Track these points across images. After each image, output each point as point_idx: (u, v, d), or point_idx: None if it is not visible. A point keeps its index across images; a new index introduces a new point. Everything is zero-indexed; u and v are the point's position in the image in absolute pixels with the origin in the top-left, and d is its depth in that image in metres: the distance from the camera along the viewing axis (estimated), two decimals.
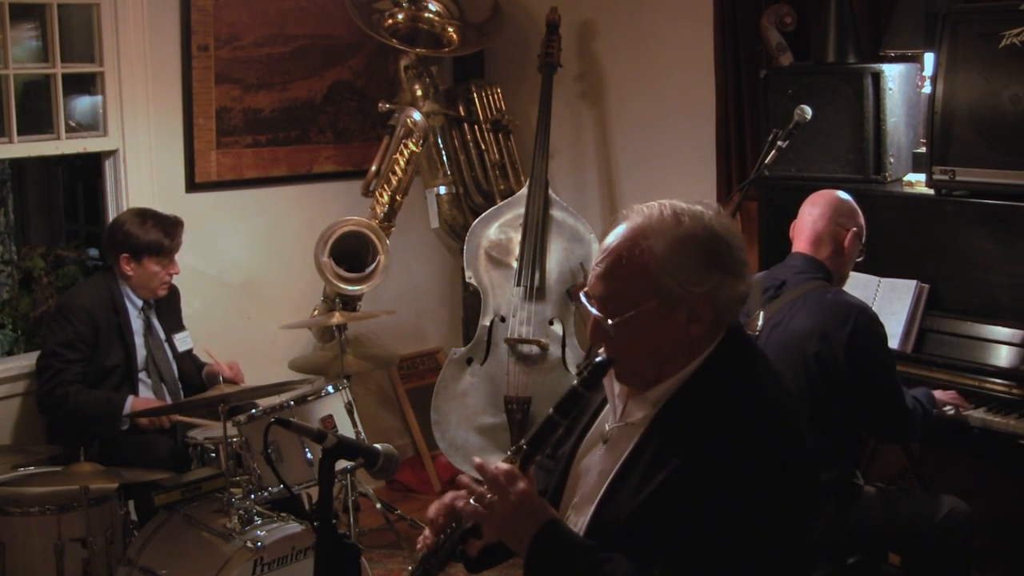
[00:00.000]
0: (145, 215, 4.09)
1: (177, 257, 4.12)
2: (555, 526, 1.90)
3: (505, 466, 1.92)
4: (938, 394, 3.34)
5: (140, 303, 4.10)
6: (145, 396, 4.01)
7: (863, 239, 3.29)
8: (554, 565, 1.87)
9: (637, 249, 1.87)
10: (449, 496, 2.00)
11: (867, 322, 3.06)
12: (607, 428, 2.02)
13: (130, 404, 3.85)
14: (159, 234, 4.03)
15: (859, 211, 3.29)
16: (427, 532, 2.01)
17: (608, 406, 2.05)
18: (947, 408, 3.33)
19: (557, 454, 2.12)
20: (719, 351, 1.91)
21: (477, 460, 1.97)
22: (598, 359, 1.95)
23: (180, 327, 4.28)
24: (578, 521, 1.99)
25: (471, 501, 1.92)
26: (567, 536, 1.90)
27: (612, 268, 1.89)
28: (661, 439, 1.89)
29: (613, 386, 2.02)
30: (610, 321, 1.89)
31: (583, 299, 1.96)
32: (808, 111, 3.65)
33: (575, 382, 1.96)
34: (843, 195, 3.30)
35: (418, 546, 2.01)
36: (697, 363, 1.91)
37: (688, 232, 1.88)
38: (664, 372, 1.92)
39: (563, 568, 1.86)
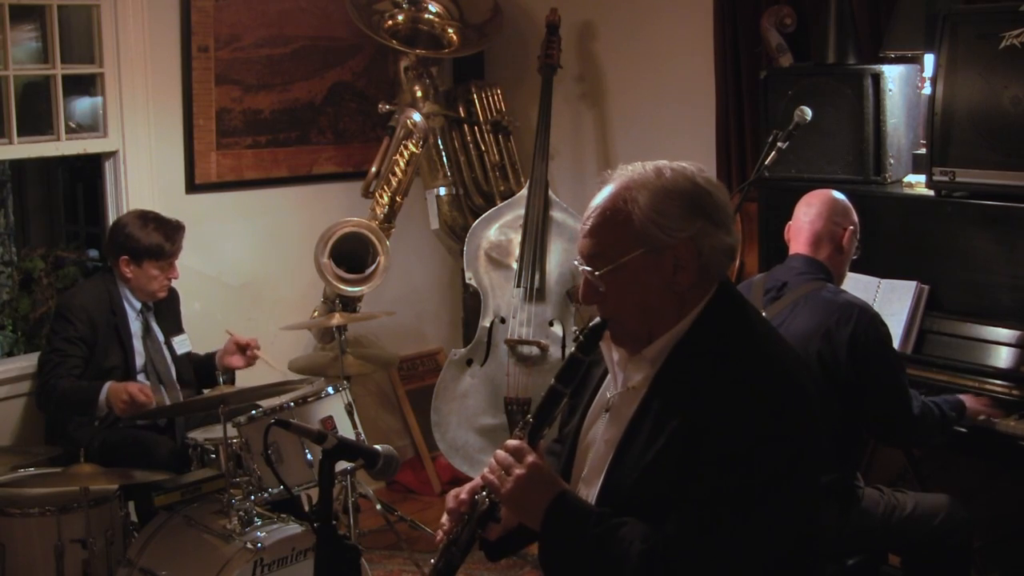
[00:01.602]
0: (147, 218, 4.08)
1: (177, 261, 4.12)
2: (567, 496, 1.94)
3: (514, 442, 1.97)
4: (969, 401, 3.28)
5: (138, 305, 4.10)
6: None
7: (858, 236, 3.29)
8: (569, 533, 1.90)
9: (621, 200, 1.93)
10: (467, 486, 2.04)
11: (869, 321, 3.06)
12: (608, 397, 2.04)
13: (107, 389, 3.80)
14: (160, 238, 4.03)
15: (852, 208, 3.29)
16: (444, 519, 2.03)
17: (608, 379, 2.08)
18: (980, 417, 3.29)
19: (563, 433, 2.13)
20: (711, 306, 1.96)
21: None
22: (592, 323, 2.00)
23: (179, 330, 4.27)
24: (588, 493, 2.02)
25: (484, 483, 1.97)
26: (580, 504, 1.94)
27: (598, 223, 1.95)
28: (662, 399, 1.92)
29: (612, 355, 2.05)
30: (597, 273, 1.94)
31: (575, 262, 2.01)
32: (808, 112, 3.65)
33: (573, 349, 2.01)
34: (837, 194, 3.30)
35: (437, 539, 2.03)
36: (691, 319, 1.95)
37: (670, 182, 1.94)
38: (657, 328, 1.96)
39: (578, 536, 1.89)
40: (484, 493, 1.99)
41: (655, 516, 1.87)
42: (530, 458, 1.93)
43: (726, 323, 1.95)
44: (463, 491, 2.03)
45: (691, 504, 1.83)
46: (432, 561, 2.01)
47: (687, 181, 1.94)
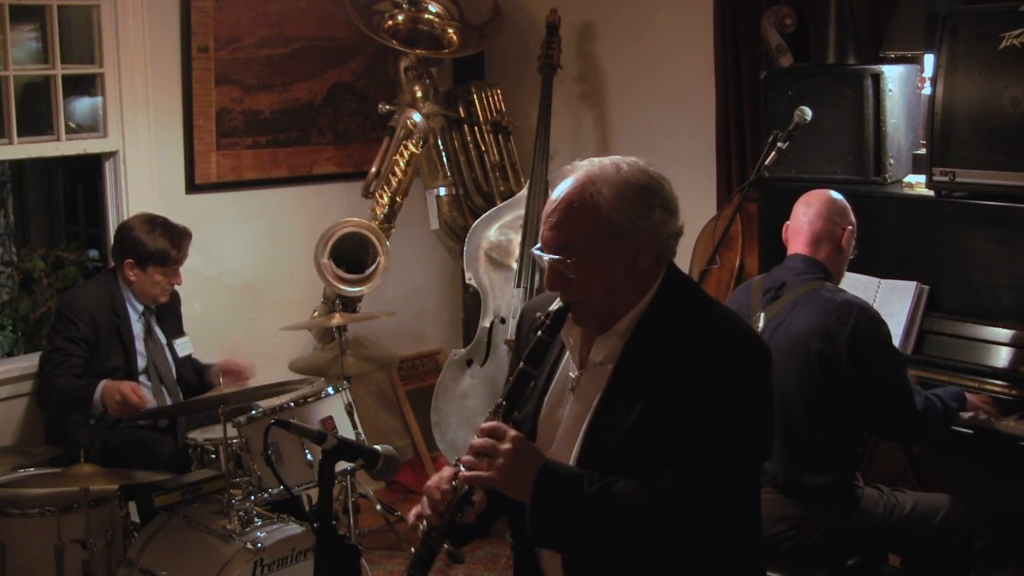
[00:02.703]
0: (155, 223, 4.07)
1: (181, 267, 4.12)
2: (552, 464, 2.02)
3: (491, 423, 2.04)
4: (971, 397, 3.29)
5: (141, 307, 4.10)
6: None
7: (856, 237, 3.30)
8: (562, 499, 1.98)
9: (587, 193, 2.06)
10: (444, 473, 2.08)
11: (868, 321, 3.06)
12: (572, 376, 2.15)
13: (101, 388, 3.79)
14: (166, 244, 4.02)
15: (850, 209, 3.29)
16: (421, 507, 2.06)
17: (562, 364, 2.19)
18: (979, 415, 3.29)
19: (515, 419, 2.15)
20: (668, 282, 2.12)
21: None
22: (555, 307, 2.12)
23: (180, 332, 4.27)
24: None
25: (464, 469, 2.02)
26: (568, 469, 2.03)
27: (566, 215, 2.07)
28: (634, 369, 2.06)
29: (568, 339, 2.16)
30: (569, 261, 2.05)
31: (536, 253, 2.10)
32: (808, 112, 3.64)
33: (539, 332, 2.11)
34: (835, 194, 3.31)
35: (411, 521, 2.07)
36: (651, 295, 2.11)
37: (629, 175, 2.08)
38: (621, 307, 2.10)
39: (574, 498, 1.97)
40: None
41: (639, 477, 1.98)
42: (512, 433, 2.01)
43: (682, 296, 2.12)
44: (442, 480, 2.07)
45: (683, 456, 1.96)
46: (412, 550, 2.05)
47: (642, 174, 2.09)
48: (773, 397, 2.10)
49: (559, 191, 2.10)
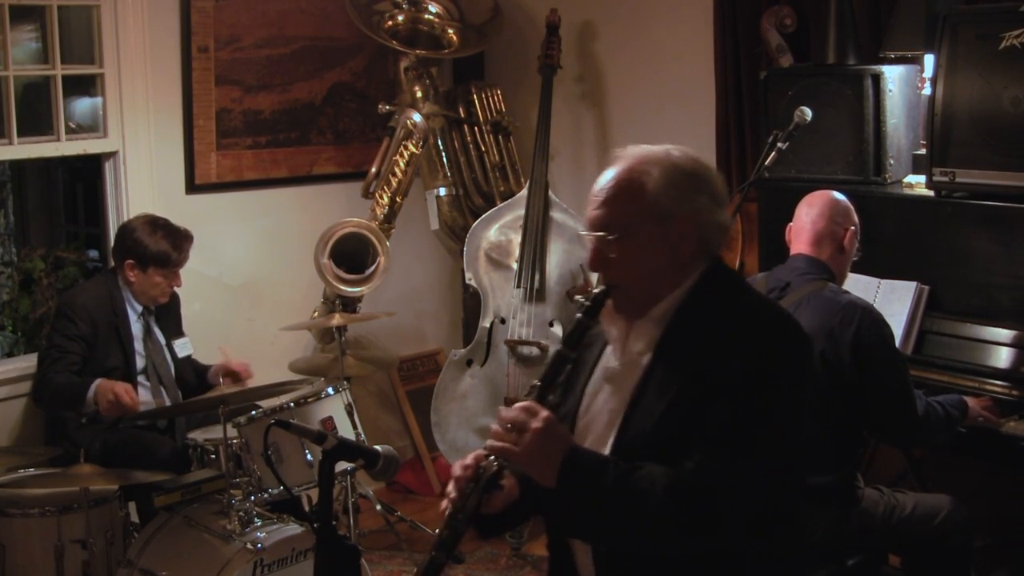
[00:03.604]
0: (156, 224, 4.07)
1: (181, 270, 4.12)
2: (580, 448, 2.01)
3: (526, 403, 2.03)
4: (970, 402, 3.28)
5: (140, 308, 4.10)
6: (143, 398, 4.01)
7: (859, 237, 3.30)
8: (589, 480, 1.96)
9: (636, 173, 2.09)
10: (472, 455, 2.07)
11: (872, 322, 3.06)
12: (609, 368, 2.14)
13: (95, 386, 3.77)
14: (167, 246, 4.02)
15: (853, 209, 3.29)
16: (450, 487, 2.06)
17: (603, 358, 2.18)
18: (979, 419, 3.28)
19: (559, 415, 2.15)
20: (708, 273, 2.11)
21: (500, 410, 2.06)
22: (596, 290, 2.12)
23: (180, 333, 4.27)
24: None
25: (496, 442, 2.01)
26: (594, 455, 2.02)
27: (614, 194, 2.10)
28: (668, 358, 2.05)
29: (611, 331, 2.15)
30: (611, 238, 2.07)
31: (582, 231, 2.13)
32: (808, 113, 3.65)
33: (578, 315, 2.12)
34: (838, 195, 3.30)
35: (442, 506, 2.06)
36: (690, 284, 2.09)
37: (678, 160, 2.11)
38: (659, 293, 2.09)
39: (599, 481, 1.95)
40: (491, 458, 2.03)
41: (670, 464, 1.96)
42: (543, 413, 1.99)
43: (723, 287, 2.11)
44: (468, 459, 2.06)
45: (709, 439, 1.94)
46: (437, 531, 2.03)
47: (692, 161, 2.12)
48: (811, 375, 2.08)
49: (609, 172, 2.12)
